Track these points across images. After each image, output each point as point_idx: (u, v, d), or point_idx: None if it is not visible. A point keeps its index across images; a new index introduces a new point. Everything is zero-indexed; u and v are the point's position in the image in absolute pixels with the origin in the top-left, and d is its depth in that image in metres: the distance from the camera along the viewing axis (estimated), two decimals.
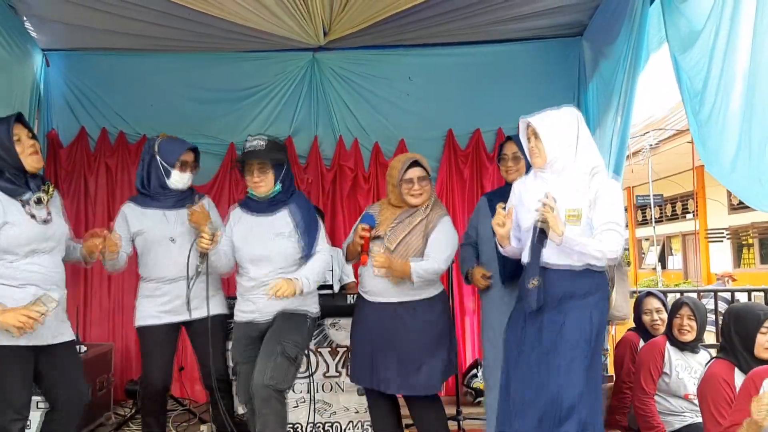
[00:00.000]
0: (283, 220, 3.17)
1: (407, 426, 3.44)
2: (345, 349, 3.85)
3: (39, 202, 2.79)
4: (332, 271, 4.04)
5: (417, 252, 3.12)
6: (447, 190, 5.15)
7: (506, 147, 3.39)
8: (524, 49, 5.07)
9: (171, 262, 3.27)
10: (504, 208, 2.88)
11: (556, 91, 5.01)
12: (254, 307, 3.14)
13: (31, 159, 2.77)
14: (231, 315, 3.41)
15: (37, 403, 3.85)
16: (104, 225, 4.96)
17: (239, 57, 5.07)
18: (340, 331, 3.85)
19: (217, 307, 3.37)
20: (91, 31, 4.59)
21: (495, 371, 3.15)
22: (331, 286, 3.99)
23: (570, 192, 2.74)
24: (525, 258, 2.86)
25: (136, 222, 3.31)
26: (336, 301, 3.85)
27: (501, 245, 2.94)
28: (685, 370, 3.54)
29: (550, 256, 2.74)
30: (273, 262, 3.11)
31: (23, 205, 2.74)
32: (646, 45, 3.80)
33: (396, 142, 5.12)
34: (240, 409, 3.53)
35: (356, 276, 4.59)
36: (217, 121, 5.04)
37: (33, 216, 2.75)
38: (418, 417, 3.21)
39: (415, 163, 3.21)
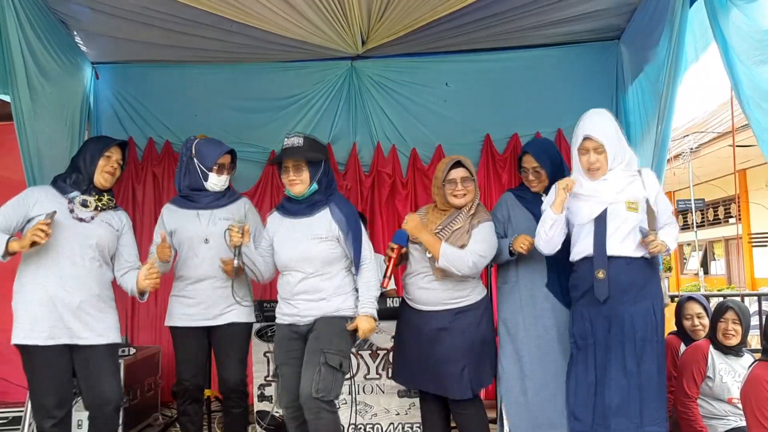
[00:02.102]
0: (321, 221, 3.09)
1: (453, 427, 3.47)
2: (385, 351, 3.91)
3: (84, 204, 2.97)
4: None
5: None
6: (485, 194, 5.17)
7: (525, 161, 3.40)
8: (561, 54, 5.08)
9: (199, 263, 3.32)
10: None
11: (593, 95, 5.01)
12: (295, 310, 3.09)
13: (102, 176, 3.01)
14: (265, 320, 3.49)
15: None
16: (152, 232, 5.12)
17: (280, 67, 5.19)
18: (381, 334, 3.90)
19: (242, 316, 3.36)
20: (139, 44, 4.75)
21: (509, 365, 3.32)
22: None
23: (625, 185, 2.93)
24: (580, 251, 2.97)
25: (171, 221, 3.39)
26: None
27: (555, 212, 2.98)
28: (729, 373, 3.50)
29: (608, 246, 2.87)
30: (311, 264, 3.06)
31: (68, 202, 2.96)
32: (685, 48, 3.78)
33: (433, 148, 5.17)
34: (277, 411, 3.57)
35: (397, 283, 4.68)
36: (258, 130, 5.15)
37: (71, 211, 2.95)
38: (459, 419, 3.25)
39: (458, 164, 3.25)
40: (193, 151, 3.41)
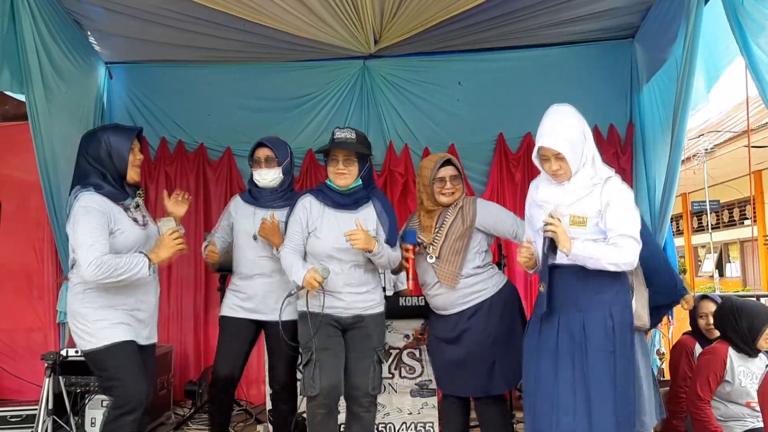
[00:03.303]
0: (367, 217, 3.10)
1: (471, 427, 3.43)
2: (398, 350, 3.90)
3: (137, 206, 2.94)
4: (383, 274, 4.07)
5: (462, 250, 3.14)
6: (498, 194, 5.15)
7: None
8: (574, 52, 5.07)
9: (249, 259, 3.36)
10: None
11: (607, 94, 5.01)
12: (342, 303, 3.06)
13: (133, 171, 2.94)
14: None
15: (102, 401, 4.05)
16: None
17: (292, 66, 5.21)
18: (393, 333, 3.89)
19: (293, 313, 3.32)
20: (152, 44, 4.79)
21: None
22: (383, 288, 4.03)
23: (578, 196, 2.68)
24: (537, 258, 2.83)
25: (234, 213, 3.45)
26: (389, 304, 3.86)
27: (528, 269, 2.87)
28: (747, 376, 3.46)
29: (562, 255, 2.66)
30: (357, 256, 3.05)
31: (125, 210, 2.87)
32: (698, 46, 3.73)
33: (446, 147, 5.15)
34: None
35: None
36: (271, 129, 5.05)
37: (135, 220, 2.89)
38: (482, 415, 3.22)
39: (448, 162, 3.23)
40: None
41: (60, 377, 3.83)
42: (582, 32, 4.86)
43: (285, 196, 3.43)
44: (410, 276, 3.20)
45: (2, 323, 4.84)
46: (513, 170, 5.19)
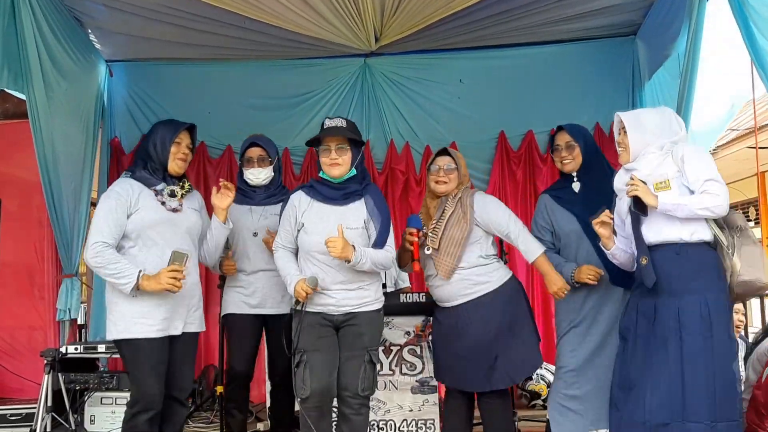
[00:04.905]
0: (356, 212, 2.98)
1: (474, 425, 3.41)
2: (398, 347, 3.88)
3: (172, 194, 2.95)
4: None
5: (462, 242, 3.10)
6: (499, 192, 5.12)
7: (558, 137, 3.29)
8: (576, 50, 5.05)
9: (251, 255, 3.40)
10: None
11: (609, 91, 4.99)
12: (332, 300, 2.94)
13: (176, 163, 2.96)
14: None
15: (101, 399, 4.03)
16: None
17: (293, 64, 5.20)
18: (394, 330, 3.87)
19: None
20: (153, 41, 4.78)
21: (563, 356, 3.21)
22: (384, 285, 4.01)
23: (653, 167, 2.72)
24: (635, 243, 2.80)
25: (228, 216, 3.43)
26: (390, 300, 3.84)
27: (605, 248, 2.89)
28: None
29: (654, 234, 2.69)
30: None
31: (156, 194, 2.90)
32: (701, 42, 3.71)
33: (447, 144, 5.01)
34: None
35: (412, 281, 4.66)
36: (272, 127, 5.09)
37: (163, 203, 2.90)
38: (485, 410, 3.20)
39: (444, 152, 3.24)
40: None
41: (59, 374, 3.83)
42: (583, 29, 4.84)
43: (279, 192, 3.51)
44: (416, 258, 3.12)
45: (3, 321, 4.84)
46: (514, 168, 5.16)
